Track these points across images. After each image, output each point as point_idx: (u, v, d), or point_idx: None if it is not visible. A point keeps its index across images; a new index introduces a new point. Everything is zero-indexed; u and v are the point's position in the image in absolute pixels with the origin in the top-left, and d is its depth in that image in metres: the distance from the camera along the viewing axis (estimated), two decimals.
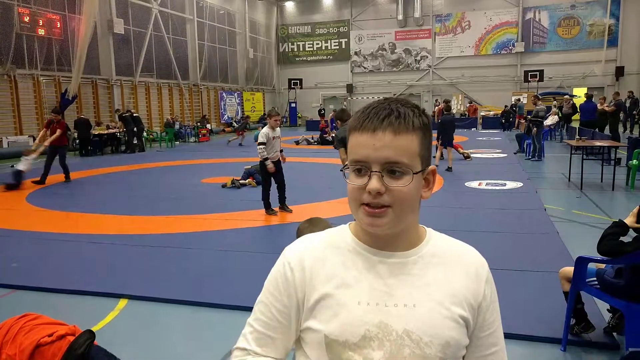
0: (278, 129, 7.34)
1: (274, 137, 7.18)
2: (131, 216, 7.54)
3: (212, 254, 5.47)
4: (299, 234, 3.06)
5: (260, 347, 0.99)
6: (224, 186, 9.80)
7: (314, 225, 2.87)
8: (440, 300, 0.93)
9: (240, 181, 9.86)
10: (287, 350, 1.00)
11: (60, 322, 2.30)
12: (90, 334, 2.23)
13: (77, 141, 17.48)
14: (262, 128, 7.29)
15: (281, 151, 7.40)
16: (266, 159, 7.05)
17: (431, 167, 0.96)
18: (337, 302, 0.93)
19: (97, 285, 4.58)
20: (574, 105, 19.71)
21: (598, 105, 16.15)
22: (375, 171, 0.89)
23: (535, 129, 13.06)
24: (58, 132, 10.71)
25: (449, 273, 0.96)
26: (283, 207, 7.47)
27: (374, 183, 0.88)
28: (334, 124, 17.41)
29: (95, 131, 18.37)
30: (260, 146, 7.05)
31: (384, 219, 0.90)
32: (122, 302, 4.22)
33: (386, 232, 0.93)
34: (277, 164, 7.27)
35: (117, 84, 22.26)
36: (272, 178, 7.30)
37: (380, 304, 0.92)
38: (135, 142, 18.23)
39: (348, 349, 0.91)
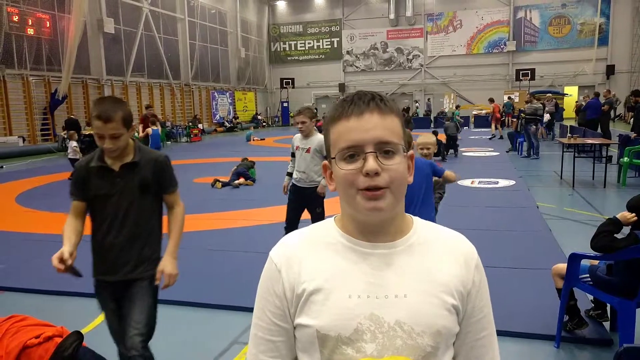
0: None
1: None
2: None
3: (202, 254, 5.41)
4: None
5: (263, 352, 0.98)
6: (213, 185, 9.81)
7: None
8: (430, 289, 0.93)
9: (233, 182, 9.84)
10: (292, 352, 0.99)
11: (47, 324, 2.26)
12: (79, 336, 2.19)
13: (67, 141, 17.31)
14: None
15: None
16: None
17: (410, 152, 0.98)
18: (328, 296, 0.92)
19: (86, 287, 4.50)
20: (557, 104, 20.00)
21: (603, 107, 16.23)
22: (370, 151, 0.89)
23: (534, 127, 13.08)
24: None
25: (438, 261, 0.95)
26: None
27: (371, 163, 0.88)
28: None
29: (86, 131, 18.18)
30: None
31: (385, 200, 0.90)
32: None
33: (385, 216, 0.92)
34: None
35: (108, 84, 22.10)
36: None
37: (370, 296, 0.91)
38: None
39: (341, 343, 0.90)
